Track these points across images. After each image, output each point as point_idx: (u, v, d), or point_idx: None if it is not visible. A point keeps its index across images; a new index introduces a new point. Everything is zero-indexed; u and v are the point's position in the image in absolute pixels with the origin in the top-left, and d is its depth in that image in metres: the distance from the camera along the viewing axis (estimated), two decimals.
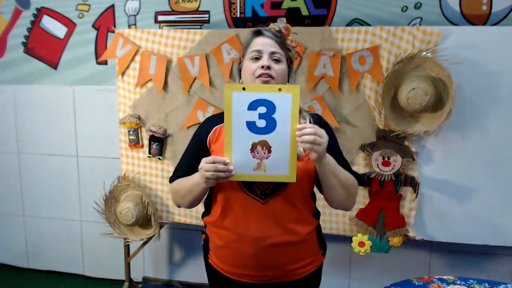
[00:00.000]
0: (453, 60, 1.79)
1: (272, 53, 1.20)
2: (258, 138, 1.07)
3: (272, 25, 1.26)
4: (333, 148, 1.19)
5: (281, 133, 1.07)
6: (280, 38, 1.23)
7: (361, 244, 1.99)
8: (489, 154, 1.88)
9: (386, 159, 1.93)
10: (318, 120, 1.27)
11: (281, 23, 1.25)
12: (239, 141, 1.08)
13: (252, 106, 1.06)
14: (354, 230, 2.02)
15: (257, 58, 1.20)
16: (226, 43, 2.01)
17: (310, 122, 1.23)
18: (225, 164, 1.07)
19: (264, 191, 1.18)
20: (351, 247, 2.01)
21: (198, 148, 1.28)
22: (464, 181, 1.91)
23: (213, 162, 1.08)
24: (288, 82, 1.27)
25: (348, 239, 2.03)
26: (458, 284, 1.35)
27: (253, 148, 1.08)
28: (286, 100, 1.05)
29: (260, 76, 1.17)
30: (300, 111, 1.24)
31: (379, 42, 1.88)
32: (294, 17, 2.19)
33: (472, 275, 2.07)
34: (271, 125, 1.07)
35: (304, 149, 1.09)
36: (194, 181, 1.19)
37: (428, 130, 1.85)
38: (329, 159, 1.13)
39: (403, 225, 1.97)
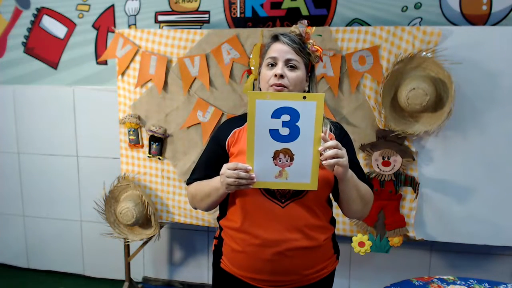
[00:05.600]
0: (453, 60, 1.79)
1: (288, 60, 1.18)
2: (281, 146, 1.06)
3: (292, 29, 1.23)
4: (352, 159, 1.18)
5: (304, 141, 1.06)
6: (299, 43, 1.20)
7: (361, 244, 1.99)
8: (489, 154, 1.88)
9: (386, 159, 1.93)
10: (339, 129, 1.27)
11: (301, 27, 1.22)
12: (261, 148, 1.07)
13: (276, 114, 1.05)
14: (354, 230, 2.02)
15: (273, 65, 1.19)
16: (226, 43, 2.01)
17: (330, 130, 1.23)
18: (247, 171, 1.06)
19: (284, 195, 1.17)
20: (351, 247, 2.02)
21: (217, 150, 1.26)
22: (464, 181, 1.91)
23: (235, 169, 1.07)
24: (309, 87, 1.25)
25: (348, 239, 2.03)
26: (458, 284, 1.36)
27: (276, 156, 1.07)
28: (310, 108, 1.04)
29: (273, 85, 1.17)
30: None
31: (379, 42, 1.88)
32: (294, 17, 2.19)
33: (472, 275, 2.07)
34: (294, 133, 1.05)
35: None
36: (213, 186, 1.18)
37: (428, 130, 1.85)
38: (351, 173, 1.14)
39: (403, 225, 1.97)
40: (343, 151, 1.06)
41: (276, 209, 1.17)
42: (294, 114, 1.04)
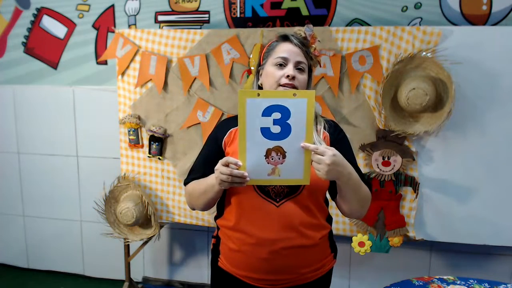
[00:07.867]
0: (453, 60, 1.79)
1: (298, 62, 1.19)
2: (272, 144, 1.06)
3: (297, 30, 1.23)
4: (348, 158, 1.18)
5: (296, 139, 1.05)
6: (305, 46, 1.22)
7: (361, 244, 1.99)
8: (489, 154, 1.88)
9: (386, 159, 1.93)
10: (333, 127, 1.27)
11: (308, 30, 1.22)
12: (253, 147, 1.06)
13: (267, 112, 1.04)
14: (354, 230, 2.02)
15: (282, 65, 1.19)
16: (226, 43, 2.01)
17: (324, 128, 1.23)
18: (237, 166, 1.06)
19: (278, 194, 1.17)
20: (351, 247, 2.02)
21: (213, 150, 1.27)
22: (464, 181, 1.91)
23: (227, 164, 1.07)
24: None
25: (348, 239, 2.03)
26: (458, 284, 1.36)
27: (268, 154, 1.07)
28: (301, 106, 1.04)
29: (284, 85, 1.16)
30: (316, 117, 1.23)
31: (379, 42, 1.88)
32: (294, 17, 2.20)
33: (472, 275, 2.07)
34: (285, 131, 1.05)
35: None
36: (209, 183, 1.18)
37: (428, 130, 1.85)
38: (351, 175, 1.12)
39: (403, 225, 1.97)
40: (321, 165, 1.05)
41: (271, 208, 1.17)
42: (285, 112, 1.04)
